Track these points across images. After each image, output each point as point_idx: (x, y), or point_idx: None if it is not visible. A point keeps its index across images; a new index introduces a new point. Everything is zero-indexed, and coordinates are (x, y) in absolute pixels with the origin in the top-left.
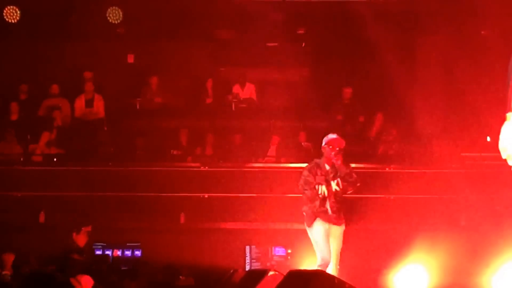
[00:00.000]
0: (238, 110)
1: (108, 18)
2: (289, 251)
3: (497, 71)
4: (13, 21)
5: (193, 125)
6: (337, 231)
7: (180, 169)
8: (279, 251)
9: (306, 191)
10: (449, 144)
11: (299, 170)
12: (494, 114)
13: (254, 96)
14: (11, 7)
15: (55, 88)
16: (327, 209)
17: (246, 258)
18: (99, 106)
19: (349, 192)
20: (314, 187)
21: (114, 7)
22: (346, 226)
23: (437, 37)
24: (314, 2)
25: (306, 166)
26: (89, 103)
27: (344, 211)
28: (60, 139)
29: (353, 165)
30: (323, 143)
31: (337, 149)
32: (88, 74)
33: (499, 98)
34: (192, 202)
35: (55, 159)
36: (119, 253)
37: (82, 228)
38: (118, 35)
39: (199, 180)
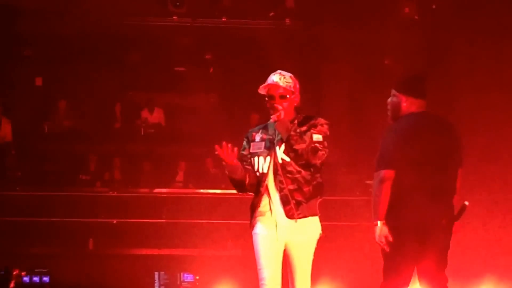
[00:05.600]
0: (146, 135)
1: None
2: (197, 277)
3: None
4: None
5: (102, 149)
6: (295, 234)
7: (88, 194)
8: (187, 277)
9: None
10: (354, 172)
11: (207, 196)
12: None
13: (162, 121)
14: None
15: None
16: (260, 200)
17: (155, 284)
18: (6, 129)
19: (316, 164)
20: (249, 162)
21: None
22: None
23: (341, 65)
24: (221, 27)
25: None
26: None
27: (313, 196)
28: None
29: None
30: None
31: (272, 95)
32: None
33: None
34: (101, 228)
35: None
36: (26, 279)
37: None
38: (26, 58)
39: (108, 205)
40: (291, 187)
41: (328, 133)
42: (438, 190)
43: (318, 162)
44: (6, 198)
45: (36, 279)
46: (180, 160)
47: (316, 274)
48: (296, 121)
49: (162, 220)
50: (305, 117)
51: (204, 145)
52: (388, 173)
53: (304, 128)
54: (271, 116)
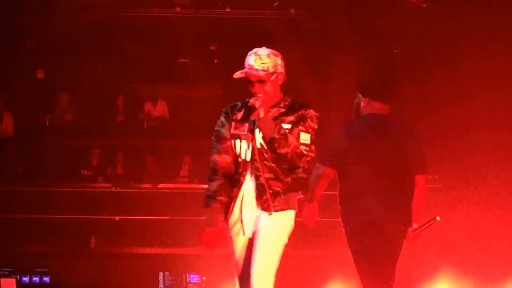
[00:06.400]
0: (150, 128)
1: None
2: (204, 278)
3: (408, 89)
4: None
5: (104, 143)
6: (262, 223)
7: (90, 189)
8: (194, 278)
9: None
10: None
11: None
12: None
13: (166, 114)
14: None
15: None
16: (238, 191)
17: (160, 285)
18: (7, 123)
19: (300, 166)
20: (228, 145)
21: None
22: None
23: (349, 55)
24: (226, 18)
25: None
26: None
27: (292, 189)
28: None
29: None
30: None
31: (250, 80)
32: None
33: (409, 116)
34: (103, 225)
35: None
36: (26, 279)
37: None
38: (27, 50)
39: (110, 201)
40: (267, 175)
41: (316, 127)
42: (389, 193)
43: (301, 164)
44: (6, 193)
45: (36, 279)
46: (184, 154)
47: (330, 273)
48: (282, 104)
49: (167, 217)
50: (294, 102)
51: (209, 138)
52: (327, 171)
53: (291, 118)
54: (251, 115)
